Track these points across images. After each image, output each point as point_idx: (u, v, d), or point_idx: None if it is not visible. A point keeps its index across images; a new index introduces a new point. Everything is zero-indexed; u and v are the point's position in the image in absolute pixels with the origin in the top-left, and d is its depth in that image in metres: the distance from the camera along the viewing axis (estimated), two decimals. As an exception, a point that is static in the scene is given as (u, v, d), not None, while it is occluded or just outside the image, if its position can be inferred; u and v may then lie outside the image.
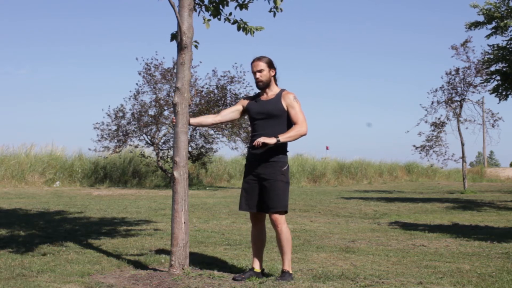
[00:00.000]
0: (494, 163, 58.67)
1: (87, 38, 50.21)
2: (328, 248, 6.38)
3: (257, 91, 4.84)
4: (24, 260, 5.31)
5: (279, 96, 4.64)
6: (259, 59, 4.68)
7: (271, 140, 4.46)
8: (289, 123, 4.63)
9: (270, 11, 5.72)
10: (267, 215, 4.67)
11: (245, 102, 4.83)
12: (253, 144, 4.52)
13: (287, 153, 4.68)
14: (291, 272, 4.54)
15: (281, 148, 4.58)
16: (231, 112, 4.86)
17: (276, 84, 4.75)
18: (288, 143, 4.65)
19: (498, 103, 15.65)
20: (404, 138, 48.30)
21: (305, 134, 4.57)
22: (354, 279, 4.58)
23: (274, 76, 4.72)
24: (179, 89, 4.79)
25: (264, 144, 4.46)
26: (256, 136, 4.60)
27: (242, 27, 5.63)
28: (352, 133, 56.74)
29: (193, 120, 4.89)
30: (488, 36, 14.46)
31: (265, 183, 4.54)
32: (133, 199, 14.15)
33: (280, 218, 4.50)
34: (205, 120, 4.99)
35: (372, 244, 6.74)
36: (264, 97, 4.71)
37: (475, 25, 14.89)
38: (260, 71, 4.64)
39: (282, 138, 4.50)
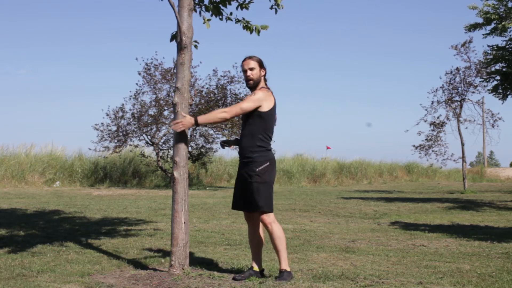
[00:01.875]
0: (494, 163, 58.65)
1: (87, 38, 50.26)
2: (328, 248, 6.38)
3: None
4: (24, 260, 5.31)
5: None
6: (250, 57, 4.67)
7: (186, 121, 4.54)
8: (265, 122, 4.54)
9: (271, 8, 5.71)
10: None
11: None
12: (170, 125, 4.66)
13: (269, 151, 4.57)
14: (289, 270, 4.52)
15: (256, 146, 4.53)
16: None
17: (266, 85, 4.71)
18: (273, 140, 4.67)
19: (502, 104, 15.70)
20: (404, 138, 48.26)
21: (225, 118, 4.59)
22: (354, 279, 4.57)
23: (264, 76, 4.70)
24: (179, 89, 4.79)
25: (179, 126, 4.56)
26: (240, 136, 4.65)
27: (246, 26, 5.62)
28: (352, 133, 56.74)
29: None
30: (485, 36, 14.48)
31: (243, 183, 4.56)
32: (133, 199, 14.15)
33: (267, 218, 4.48)
34: None
35: (372, 244, 6.74)
36: None
37: (474, 26, 14.90)
38: (251, 69, 4.63)
39: (200, 118, 4.59)
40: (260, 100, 4.52)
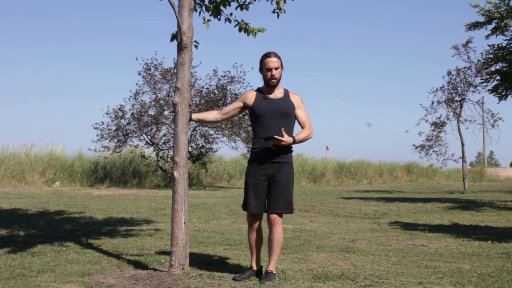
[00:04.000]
0: (494, 163, 58.64)
1: (87, 38, 50.18)
2: (328, 248, 6.37)
3: (255, 87, 4.85)
4: (24, 260, 5.31)
5: (287, 95, 4.66)
6: (275, 55, 4.59)
7: (289, 140, 4.49)
8: (291, 125, 4.68)
9: (273, 12, 5.73)
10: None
11: (248, 98, 4.69)
12: (270, 140, 4.47)
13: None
14: (275, 272, 4.54)
15: (291, 148, 4.64)
16: (233, 110, 4.78)
17: None
18: None
19: (498, 103, 15.65)
20: (404, 138, 48.22)
21: (311, 137, 4.70)
22: (354, 279, 4.58)
23: None
24: (179, 89, 4.79)
25: (276, 141, 4.46)
26: (269, 133, 4.48)
27: (244, 28, 5.63)
28: (352, 133, 56.66)
29: (195, 116, 4.85)
30: (488, 36, 14.45)
31: (277, 184, 4.54)
32: (133, 199, 14.15)
33: (280, 219, 4.53)
34: (207, 117, 4.92)
35: (372, 244, 6.74)
36: (272, 95, 4.64)
37: (475, 25, 14.87)
38: (277, 68, 4.58)
39: (298, 138, 4.56)
40: None
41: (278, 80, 4.61)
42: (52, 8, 49.97)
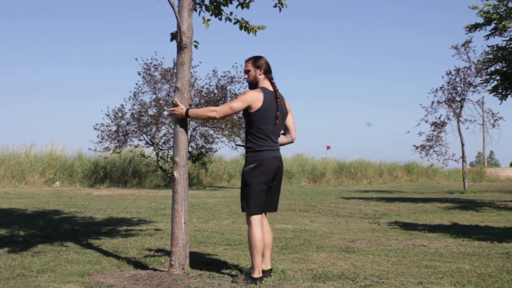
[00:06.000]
0: (494, 163, 58.65)
1: (87, 38, 50.22)
2: (328, 248, 6.37)
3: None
4: (24, 260, 5.31)
5: None
6: (247, 60, 4.66)
7: (178, 111, 4.64)
8: (252, 122, 4.49)
9: (275, 6, 5.73)
10: (267, 214, 4.70)
11: None
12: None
13: (258, 152, 4.43)
14: (247, 269, 4.67)
15: (248, 144, 4.51)
16: None
17: (271, 82, 4.60)
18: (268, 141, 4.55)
19: (500, 104, 15.65)
20: (404, 138, 48.15)
21: (214, 117, 4.53)
22: (354, 279, 4.57)
23: (265, 73, 4.58)
24: (179, 89, 4.78)
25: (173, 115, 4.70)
26: None
27: (244, 26, 5.63)
28: (352, 133, 56.74)
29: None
30: (487, 37, 14.44)
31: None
32: (133, 199, 14.15)
33: (248, 218, 4.49)
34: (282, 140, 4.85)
35: (372, 244, 6.74)
36: None
37: (475, 27, 14.88)
38: (246, 71, 4.65)
39: (191, 111, 4.60)
40: (247, 100, 4.45)
41: (251, 82, 4.63)
42: (52, 8, 50.00)
